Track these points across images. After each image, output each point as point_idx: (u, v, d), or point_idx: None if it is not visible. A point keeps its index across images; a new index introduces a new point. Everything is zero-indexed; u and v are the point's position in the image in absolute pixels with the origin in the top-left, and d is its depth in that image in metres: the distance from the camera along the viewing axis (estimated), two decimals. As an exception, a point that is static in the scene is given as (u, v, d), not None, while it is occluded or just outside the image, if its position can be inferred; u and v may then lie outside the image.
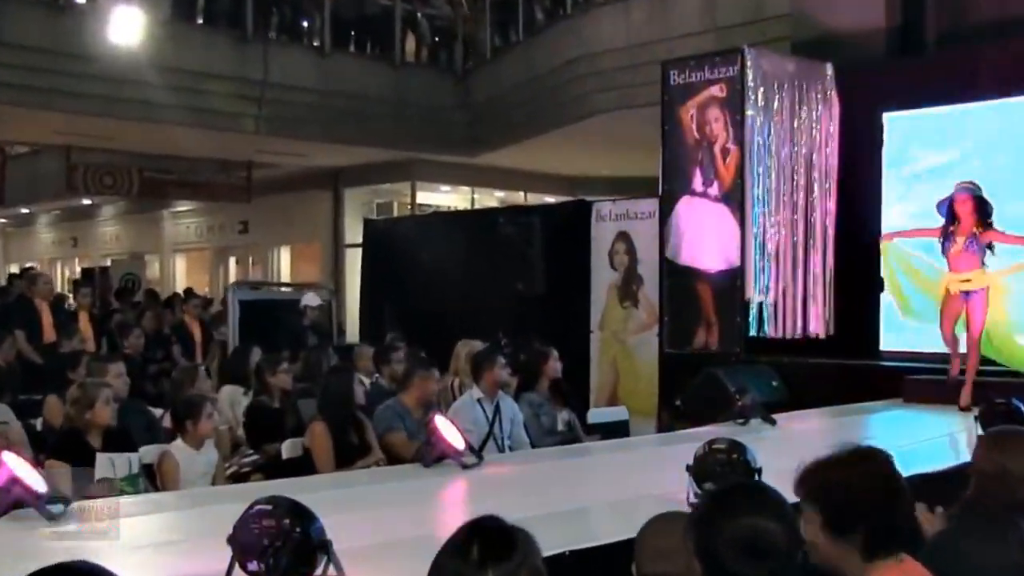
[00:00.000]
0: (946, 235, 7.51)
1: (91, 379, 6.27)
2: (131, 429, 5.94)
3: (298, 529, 2.76)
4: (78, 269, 22.56)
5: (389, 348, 8.30)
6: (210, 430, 5.76)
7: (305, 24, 15.12)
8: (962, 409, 7.16)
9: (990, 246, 7.44)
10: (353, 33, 15.41)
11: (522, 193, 18.82)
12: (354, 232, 17.75)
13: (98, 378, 6.29)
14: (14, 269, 26.06)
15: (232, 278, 20.96)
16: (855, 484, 2.42)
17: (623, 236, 10.10)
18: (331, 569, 2.78)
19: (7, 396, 7.54)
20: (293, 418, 6.77)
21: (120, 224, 24.41)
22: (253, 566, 2.75)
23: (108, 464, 5.12)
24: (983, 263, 7.44)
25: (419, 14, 16.06)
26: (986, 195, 7.43)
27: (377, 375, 7.95)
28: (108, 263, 21.18)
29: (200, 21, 14.28)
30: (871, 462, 2.50)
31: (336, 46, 15.06)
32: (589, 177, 17.67)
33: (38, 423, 7.09)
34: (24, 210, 24.81)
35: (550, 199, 17.84)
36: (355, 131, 15.08)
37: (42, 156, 19.49)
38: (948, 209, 7.46)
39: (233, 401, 7.55)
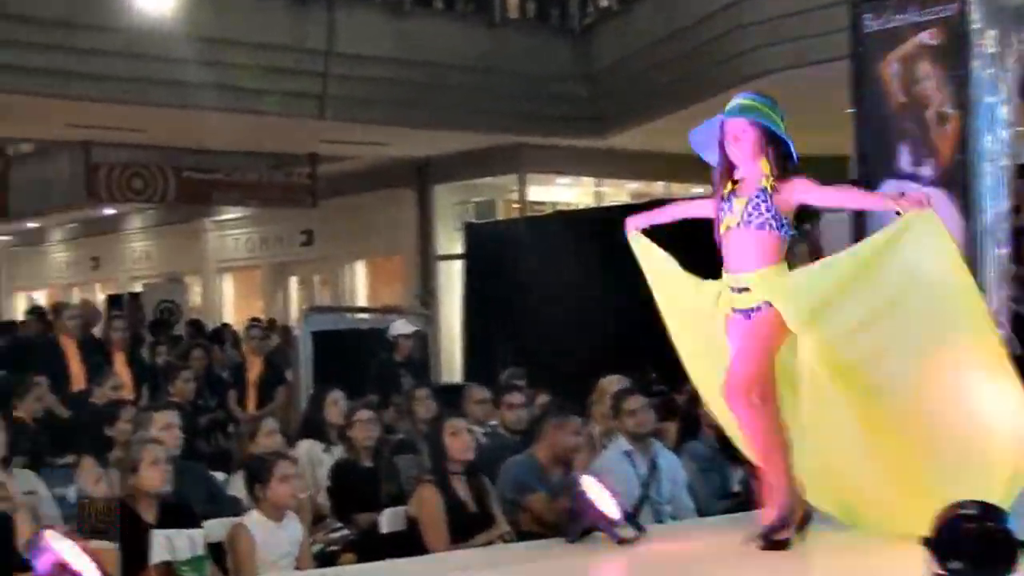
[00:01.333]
0: (720, 202, 5.03)
1: (136, 435, 6.40)
2: (190, 498, 6.04)
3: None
4: (100, 296, 23.13)
5: (506, 388, 8.33)
6: (286, 496, 5.82)
7: (378, -23, 15.33)
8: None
9: (804, 217, 5.38)
10: (439, -15, 15.60)
11: (661, 184, 18.72)
12: (447, 240, 17.87)
13: (143, 432, 6.42)
14: (22, 298, 26.99)
15: (293, 302, 21.27)
16: None
17: (806, 235, 9.94)
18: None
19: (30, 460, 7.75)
20: (391, 481, 6.82)
21: (152, 239, 25.00)
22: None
23: (166, 544, 5.23)
24: (780, 253, 4.96)
25: (523, -43, 16.18)
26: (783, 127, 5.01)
27: (494, 423, 7.98)
28: (139, 288, 21.63)
29: (247, -20, 14.56)
30: None
31: (418, 3, 15.21)
32: (750, 159, 17.49)
33: (70, 492, 7.27)
34: (32, 224, 25.58)
35: (699, 190, 17.71)
36: (445, 111, 15.18)
37: (53, 156, 20.07)
38: (720, 155, 5.08)
39: (313, 460, 7.63)
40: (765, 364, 4.86)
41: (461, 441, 6.30)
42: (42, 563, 3.94)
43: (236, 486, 6.67)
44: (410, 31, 14.99)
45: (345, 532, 6.67)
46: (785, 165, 4.92)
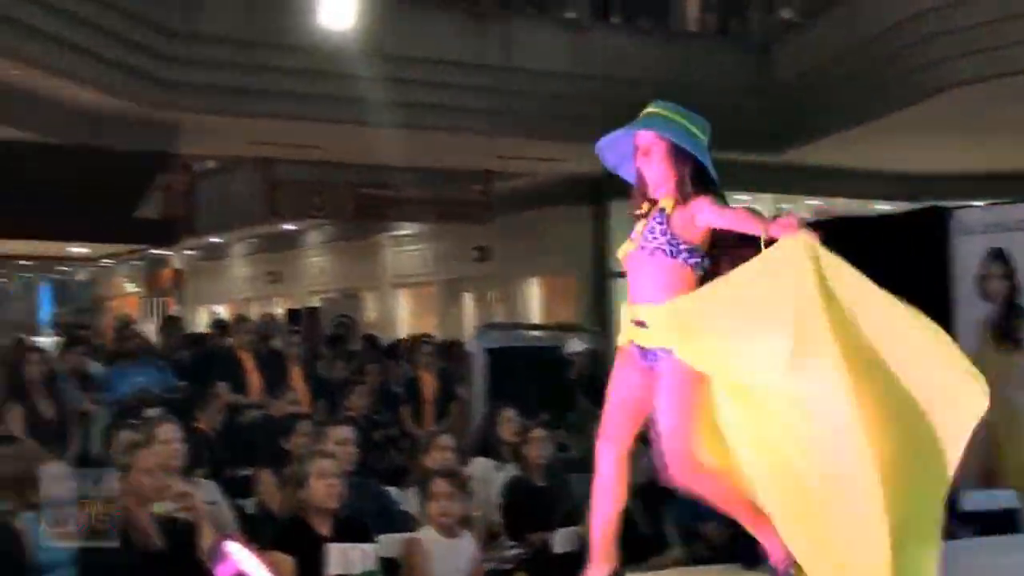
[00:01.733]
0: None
1: (307, 448, 6.56)
2: (363, 513, 6.15)
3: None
4: (279, 311, 23.69)
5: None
6: (436, 514, 5.95)
7: (556, -9, 15.41)
8: None
9: (713, 246, 4.43)
10: (618, -1, 15.61)
11: (842, 199, 18.42)
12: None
13: (316, 446, 6.57)
14: (204, 312, 27.83)
15: (468, 318, 21.44)
16: None
17: (998, 255, 9.67)
18: None
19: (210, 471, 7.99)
20: (565, 500, 6.84)
21: (329, 254, 25.46)
22: None
23: (340, 557, 5.35)
24: (682, 284, 4.36)
25: (703, -31, 16.13)
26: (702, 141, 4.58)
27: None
28: (317, 303, 22.02)
29: (425, -4, 14.77)
30: None
31: (596, 17, 15.23)
32: (941, 175, 17.08)
33: (249, 504, 7.48)
34: (214, 240, 26.35)
35: (885, 206, 17.35)
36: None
37: (236, 172, 20.65)
38: (636, 171, 4.60)
39: (485, 477, 7.69)
40: (679, 417, 4.28)
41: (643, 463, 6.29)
42: (223, 572, 4.07)
43: (409, 501, 6.77)
44: (588, 45, 15.01)
45: (518, 551, 6.71)
46: (698, 185, 4.40)
